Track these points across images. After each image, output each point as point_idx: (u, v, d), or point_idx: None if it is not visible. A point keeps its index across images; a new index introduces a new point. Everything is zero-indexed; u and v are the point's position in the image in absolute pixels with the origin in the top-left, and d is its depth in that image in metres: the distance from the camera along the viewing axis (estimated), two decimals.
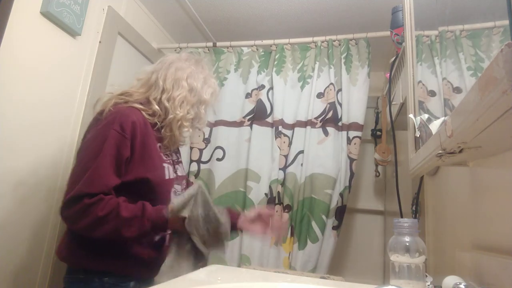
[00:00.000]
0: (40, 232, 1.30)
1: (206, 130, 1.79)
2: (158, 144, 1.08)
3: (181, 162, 1.22)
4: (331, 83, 1.67)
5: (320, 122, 1.65)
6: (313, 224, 1.56)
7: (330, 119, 1.64)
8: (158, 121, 1.08)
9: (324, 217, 1.56)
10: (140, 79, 1.15)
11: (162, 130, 1.09)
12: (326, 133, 1.63)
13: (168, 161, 1.10)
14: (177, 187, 1.12)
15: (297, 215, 1.58)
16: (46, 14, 1.26)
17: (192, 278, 0.75)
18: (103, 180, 0.92)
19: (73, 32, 1.39)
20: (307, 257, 1.53)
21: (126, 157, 0.97)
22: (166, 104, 1.07)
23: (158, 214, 0.94)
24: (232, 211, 1.14)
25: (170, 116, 1.07)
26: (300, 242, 1.56)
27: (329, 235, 1.56)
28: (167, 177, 1.06)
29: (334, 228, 1.57)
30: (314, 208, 1.57)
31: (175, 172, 1.13)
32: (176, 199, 0.98)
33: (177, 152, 1.23)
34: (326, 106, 1.67)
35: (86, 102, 1.48)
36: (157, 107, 1.07)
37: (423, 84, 0.89)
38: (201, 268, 0.88)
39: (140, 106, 1.05)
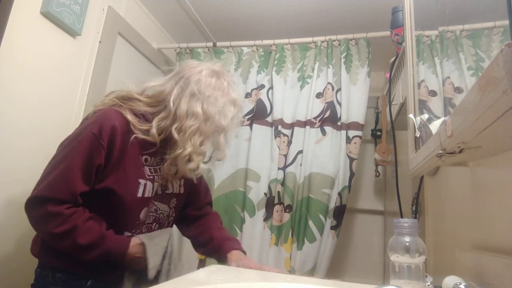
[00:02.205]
0: None
1: None
2: (145, 157, 0.98)
3: (181, 177, 1.07)
4: (329, 83, 1.67)
5: (319, 122, 1.66)
6: (311, 223, 1.56)
7: (328, 119, 1.64)
8: (152, 142, 0.97)
9: (322, 217, 1.56)
10: (150, 88, 1.04)
11: (165, 165, 0.98)
12: (323, 132, 1.64)
13: (151, 176, 0.98)
14: (160, 205, 1.03)
15: (296, 215, 1.58)
16: (46, 14, 1.26)
17: (192, 278, 0.75)
18: (69, 186, 0.87)
19: (73, 32, 1.39)
20: (304, 257, 1.53)
21: (98, 164, 0.90)
22: (175, 135, 0.95)
23: (118, 248, 0.90)
24: (223, 244, 1.08)
25: (178, 152, 0.94)
26: (298, 242, 1.56)
27: (327, 235, 1.56)
28: (139, 195, 0.95)
29: (332, 228, 1.57)
30: (312, 207, 1.57)
31: (163, 189, 1.03)
32: (150, 250, 0.93)
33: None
34: (324, 106, 1.67)
35: (86, 102, 1.48)
36: (155, 131, 0.95)
37: (426, 84, 0.89)
38: (201, 268, 0.88)
39: (129, 117, 0.95)
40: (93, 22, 1.50)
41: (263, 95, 1.74)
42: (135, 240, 0.93)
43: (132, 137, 0.93)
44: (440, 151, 0.55)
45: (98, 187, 0.91)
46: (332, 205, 1.58)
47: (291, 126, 1.70)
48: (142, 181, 0.96)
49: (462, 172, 0.80)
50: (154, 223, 1.04)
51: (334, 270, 1.61)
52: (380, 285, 0.56)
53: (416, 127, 0.84)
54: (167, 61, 2.11)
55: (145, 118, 0.98)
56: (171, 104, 0.96)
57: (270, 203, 1.63)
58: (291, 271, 1.54)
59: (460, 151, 0.52)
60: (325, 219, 1.56)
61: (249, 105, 1.77)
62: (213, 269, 0.86)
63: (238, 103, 1.07)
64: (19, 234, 1.22)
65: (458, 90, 0.67)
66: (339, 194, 1.59)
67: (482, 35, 0.56)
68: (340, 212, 1.59)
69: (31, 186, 1.25)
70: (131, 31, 1.75)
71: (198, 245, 1.18)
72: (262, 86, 1.75)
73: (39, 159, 1.28)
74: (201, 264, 1.61)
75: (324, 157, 1.60)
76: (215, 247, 1.11)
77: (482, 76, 0.37)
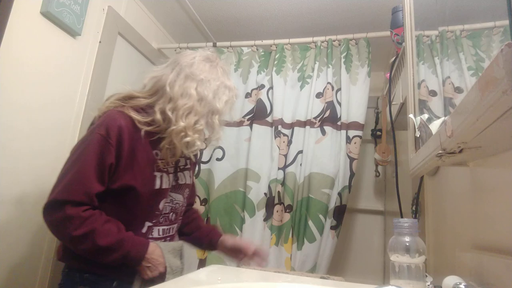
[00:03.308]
0: (39, 233, 1.30)
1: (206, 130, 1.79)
2: (155, 151, 1.02)
3: (189, 168, 1.15)
4: (329, 83, 1.67)
5: (319, 122, 1.66)
6: (310, 223, 1.56)
7: (327, 118, 1.64)
8: (158, 131, 1.01)
9: (321, 216, 1.56)
10: (149, 80, 1.08)
11: (162, 142, 1.01)
12: (323, 132, 1.64)
13: (165, 168, 1.03)
14: (175, 196, 1.08)
15: (296, 215, 1.58)
16: (46, 14, 1.26)
17: (192, 278, 0.75)
18: (85, 187, 0.90)
19: (73, 32, 1.39)
20: (304, 257, 1.53)
21: (110, 164, 0.93)
22: (169, 114, 0.98)
23: (137, 251, 0.93)
24: (214, 230, 1.23)
25: (172, 127, 0.98)
26: (298, 242, 1.56)
27: (327, 235, 1.56)
28: (157, 187, 1.00)
29: (332, 228, 1.57)
30: (311, 207, 1.57)
31: (176, 180, 1.08)
32: (167, 254, 0.97)
33: (189, 157, 1.15)
34: (324, 106, 1.67)
35: (86, 101, 1.49)
36: (159, 116, 0.99)
37: (426, 84, 0.89)
38: (201, 268, 0.88)
39: (133, 114, 0.98)
40: (93, 22, 1.50)
41: (263, 95, 1.74)
42: (153, 245, 0.97)
43: (142, 132, 0.97)
44: (440, 151, 0.55)
45: (115, 186, 0.95)
46: (332, 205, 1.58)
47: (291, 126, 1.70)
48: (158, 174, 1.01)
49: (462, 172, 0.80)
50: (171, 213, 1.08)
51: (334, 270, 1.60)
52: (380, 285, 0.56)
53: (416, 127, 0.84)
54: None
55: (146, 111, 1.02)
56: (167, 87, 1.00)
57: (270, 203, 1.63)
58: (291, 271, 1.54)
59: (460, 151, 0.52)
60: (325, 219, 1.56)
61: (249, 105, 1.77)
62: (213, 269, 0.86)
63: (232, 87, 1.11)
64: (19, 235, 1.22)
65: (458, 90, 0.67)
66: (339, 194, 1.59)
67: (482, 35, 0.56)
68: (340, 212, 1.59)
69: (30, 187, 1.25)
70: (131, 31, 1.75)
71: (182, 233, 1.22)
72: (262, 86, 1.75)
73: (39, 158, 1.29)
74: (201, 264, 1.62)
75: (324, 157, 1.60)
76: (203, 234, 1.23)
77: (482, 76, 0.37)
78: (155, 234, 1.03)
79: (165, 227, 1.06)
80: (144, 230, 1.00)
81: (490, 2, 0.50)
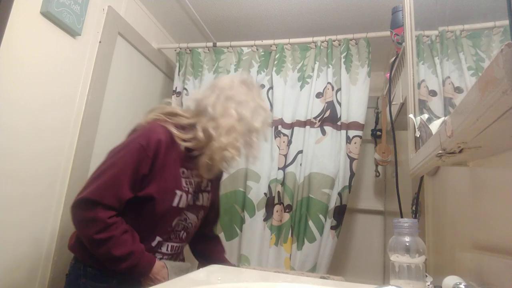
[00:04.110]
0: (39, 233, 1.30)
1: None
2: (182, 169, 1.07)
3: (208, 191, 1.19)
4: (329, 83, 1.67)
5: (319, 121, 1.66)
6: (310, 223, 1.56)
7: (328, 118, 1.64)
8: (196, 148, 1.07)
9: (322, 216, 1.55)
10: (191, 102, 1.16)
11: (201, 158, 1.07)
12: (323, 132, 1.64)
13: (186, 188, 1.07)
14: (190, 215, 1.12)
15: (296, 215, 1.58)
16: (46, 14, 1.26)
17: (192, 278, 0.75)
18: (118, 192, 0.96)
19: (73, 32, 1.39)
20: (304, 257, 1.53)
21: (143, 174, 0.99)
22: (212, 132, 1.05)
23: (144, 266, 0.98)
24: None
25: (214, 144, 1.05)
26: (298, 242, 1.56)
27: (327, 235, 1.56)
28: (174, 204, 1.04)
29: (332, 228, 1.57)
30: (312, 207, 1.57)
31: (194, 201, 1.11)
32: (172, 275, 1.02)
33: (212, 180, 1.19)
34: (324, 106, 1.67)
35: (86, 101, 1.49)
36: (201, 134, 1.05)
37: (426, 84, 0.89)
38: (201, 268, 0.88)
39: (173, 130, 1.05)
40: (93, 22, 1.50)
41: (263, 95, 1.74)
42: (159, 263, 1.01)
43: (181, 147, 1.04)
44: (440, 151, 0.55)
45: (140, 194, 1.00)
46: (332, 205, 1.58)
47: (291, 126, 1.70)
48: (178, 192, 1.05)
49: (462, 172, 0.80)
50: (183, 231, 1.12)
51: (334, 270, 1.60)
52: (380, 285, 0.56)
53: (416, 127, 0.84)
54: (167, 61, 2.11)
55: (187, 129, 1.09)
56: (209, 108, 1.07)
57: (270, 203, 1.63)
58: (291, 270, 1.53)
59: (460, 151, 0.52)
60: (325, 219, 1.56)
61: None
62: (213, 269, 0.86)
63: (267, 108, 1.19)
64: (19, 234, 1.22)
65: (458, 90, 0.67)
66: (339, 194, 1.59)
67: (482, 35, 0.56)
68: (340, 212, 1.59)
69: (30, 187, 1.25)
70: (131, 31, 1.75)
71: (201, 257, 1.30)
72: (262, 86, 1.75)
73: (39, 158, 1.29)
74: (201, 264, 1.62)
75: (324, 157, 1.60)
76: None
77: (482, 76, 0.37)
78: (163, 249, 1.07)
79: (175, 244, 1.11)
80: (154, 243, 1.05)
81: (490, 2, 0.50)
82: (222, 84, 1.14)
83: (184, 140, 1.06)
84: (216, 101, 1.09)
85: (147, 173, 1.00)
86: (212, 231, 1.35)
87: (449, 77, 0.73)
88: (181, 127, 1.08)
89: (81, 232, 0.97)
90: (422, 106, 0.87)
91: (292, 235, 1.58)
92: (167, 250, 1.08)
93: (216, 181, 1.26)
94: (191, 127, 1.08)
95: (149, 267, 0.98)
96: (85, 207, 0.94)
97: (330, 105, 1.65)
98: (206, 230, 1.29)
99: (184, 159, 1.07)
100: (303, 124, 1.67)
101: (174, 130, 1.05)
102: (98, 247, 0.94)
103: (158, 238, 1.05)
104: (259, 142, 1.17)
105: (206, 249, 1.29)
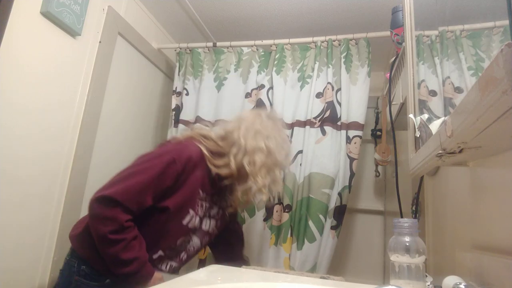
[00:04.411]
0: (39, 234, 1.30)
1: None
2: (200, 191, 1.09)
3: (217, 219, 1.20)
4: (329, 83, 1.67)
5: (319, 121, 1.65)
6: (310, 223, 1.55)
7: (328, 118, 1.64)
8: (226, 177, 1.11)
9: (322, 216, 1.55)
10: (223, 131, 1.19)
11: (235, 192, 1.13)
12: (323, 132, 1.63)
13: (197, 210, 1.09)
14: (194, 238, 1.13)
15: (296, 215, 1.58)
16: (46, 14, 1.26)
17: (192, 278, 0.75)
18: (141, 198, 0.98)
19: (73, 32, 1.39)
20: (304, 257, 1.53)
21: (167, 186, 1.02)
22: (247, 167, 1.09)
23: (143, 275, 0.99)
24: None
25: (250, 183, 1.10)
26: (298, 242, 1.56)
27: (327, 235, 1.56)
28: (184, 223, 1.07)
29: (332, 228, 1.57)
30: (312, 207, 1.56)
31: (200, 224, 1.13)
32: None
33: (223, 207, 1.22)
34: (324, 106, 1.67)
35: (86, 101, 1.48)
36: (234, 166, 1.09)
37: (426, 84, 0.89)
38: (201, 268, 0.88)
39: (207, 153, 1.09)
40: (93, 22, 1.50)
41: (263, 95, 1.74)
42: (158, 274, 1.02)
43: (200, 169, 1.08)
44: (440, 151, 0.55)
45: (158, 205, 1.02)
46: (332, 205, 1.58)
47: (291, 126, 1.70)
48: (191, 212, 1.08)
49: (462, 172, 0.80)
50: (184, 252, 1.14)
51: (334, 270, 1.60)
52: (380, 285, 0.56)
53: (416, 127, 0.84)
54: (167, 61, 2.11)
55: (218, 155, 1.13)
56: (241, 140, 1.12)
57: (269, 203, 1.62)
58: (291, 270, 1.53)
59: (460, 151, 0.52)
60: (325, 219, 1.56)
61: (249, 105, 1.76)
62: (213, 269, 0.86)
63: (288, 143, 1.25)
64: (19, 234, 1.22)
65: (458, 90, 0.67)
66: (339, 194, 1.59)
67: (482, 35, 0.56)
68: (340, 212, 1.59)
69: (30, 187, 1.25)
70: (131, 31, 1.75)
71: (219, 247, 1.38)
72: (262, 86, 1.75)
73: (39, 158, 1.29)
74: (201, 264, 1.62)
75: (324, 157, 1.60)
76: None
77: (482, 76, 0.37)
78: (163, 267, 1.09)
79: (174, 264, 1.12)
80: (155, 256, 1.06)
81: (490, 2, 0.50)
82: (250, 117, 1.19)
83: (216, 166, 1.10)
84: (246, 134, 1.13)
85: (170, 186, 1.02)
86: (238, 225, 1.43)
87: (449, 77, 0.73)
88: (213, 152, 1.12)
89: (95, 226, 0.97)
90: (422, 106, 0.87)
91: (291, 235, 1.58)
92: (165, 268, 1.10)
93: (231, 214, 1.29)
94: (222, 155, 1.13)
95: (148, 276, 0.99)
96: (106, 205, 0.96)
97: (330, 105, 1.65)
98: (220, 242, 1.34)
99: (204, 181, 1.10)
100: (303, 124, 1.67)
101: (206, 153, 1.10)
102: (108, 246, 0.95)
103: (160, 252, 1.07)
104: (282, 176, 1.22)
105: (222, 257, 1.36)
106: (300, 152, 1.64)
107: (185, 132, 1.18)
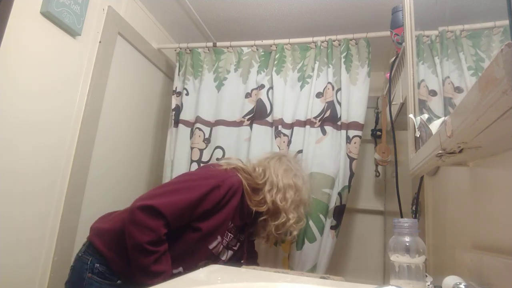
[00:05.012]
0: (39, 233, 1.30)
1: (206, 130, 1.79)
2: (230, 221, 1.13)
3: (235, 250, 1.24)
4: (329, 82, 1.67)
5: (319, 121, 1.66)
6: (311, 223, 1.55)
7: (328, 118, 1.64)
8: (262, 212, 1.16)
9: (322, 216, 1.55)
10: (257, 168, 1.24)
11: (265, 228, 1.18)
12: (324, 132, 1.63)
13: (224, 239, 1.14)
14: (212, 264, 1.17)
15: None
16: (46, 14, 1.26)
17: (192, 278, 0.75)
18: (181, 216, 1.02)
19: (73, 32, 1.39)
20: (305, 257, 1.53)
21: (206, 209, 1.05)
22: (279, 203, 1.15)
23: None
24: None
25: (283, 219, 1.15)
26: (298, 242, 1.55)
27: (327, 235, 1.56)
28: (210, 247, 1.10)
29: (332, 228, 1.57)
30: (312, 207, 1.56)
31: (219, 253, 1.16)
32: None
33: (243, 240, 1.26)
34: (324, 106, 1.67)
35: (86, 101, 1.48)
36: (271, 204, 1.14)
37: (426, 84, 0.89)
38: (201, 268, 0.88)
39: (247, 187, 1.14)
40: (93, 22, 1.50)
41: (263, 95, 1.74)
42: None
43: (235, 200, 1.11)
44: (440, 151, 0.55)
45: (192, 224, 1.05)
46: (332, 205, 1.58)
47: (291, 126, 1.70)
48: (219, 238, 1.12)
49: (462, 172, 0.80)
50: None
51: (334, 270, 1.60)
52: (380, 285, 0.56)
53: (416, 127, 0.84)
54: (167, 61, 2.11)
55: (253, 190, 1.18)
56: (273, 177, 1.18)
57: None
58: (291, 270, 1.53)
59: (460, 151, 0.52)
60: (325, 219, 1.56)
61: (249, 105, 1.76)
62: (213, 269, 0.86)
63: (309, 183, 1.31)
64: (18, 233, 1.22)
65: (458, 90, 0.67)
66: (339, 194, 1.59)
67: (482, 35, 0.56)
68: (340, 212, 1.59)
69: (30, 186, 1.25)
70: (131, 31, 1.75)
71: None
72: (262, 86, 1.75)
73: (39, 158, 1.29)
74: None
75: (324, 156, 1.60)
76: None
77: (482, 76, 0.37)
78: None
79: None
80: (175, 271, 1.08)
81: (490, 2, 0.50)
82: (276, 157, 1.28)
83: (252, 201, 1.15)
84: (277, 172, 1.20)
85: (209, 209, 1.06)
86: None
87: (449, 77, 0.73)
88: (250, 187, 1.16)
89: (134, 233, 0.98)
90: (422, 106, 0.87)
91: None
92: None
93: (248, 241, 1.32)
94: (257, 191, 1.18)
95: None
96: (150, 214, 0.97)
97: (331, 105, 1.65)
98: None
99: (236, 212, 1.14)
100: (303, 124, 1.67)
101: (247, 187, 1.15)
102: (142, 256, 0.97)
103: (180, 269, 1.09)
104: (304, 213, 1.28)
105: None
106: (300, 151, 1.64)
107: (227, 160, 1.25)
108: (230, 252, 1.21)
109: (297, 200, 1.19)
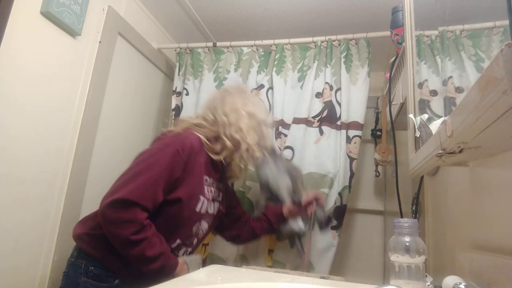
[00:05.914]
0: (39, 234, 1.30)
1: None
2: (205, 177, 1.12)
3: (220, 201, 1.24)
4: (326, 82, 1.67)
5: (317, 121, 1.65)
6: None
7: (325, 118, 1.64)
8: (227, 156, 1.15)
9: None
10: (207, 112, 1.24)
11: (233, 163, 1.17)
12: (321, 132, 1.63)
13: (208, 195, 1.13)
14: (203, 223, 1.16)
15: None
16: (46, 14, 1.25)
17: (192, 278, 0.75)
18: (153, 194, 0.99)
19: (73, 32, 1.39)
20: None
21: (176, 178, 1.03)
22: (236, 136, 1.15)
23: (170, 266, 1.01)
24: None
25: (243, 147, 1.15)
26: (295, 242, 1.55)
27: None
28: (197, 210, 1.09)
29: (333, 228, 1.57)
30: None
31: (207, 209, 1.15)
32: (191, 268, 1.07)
33: (225, 190, 1.28)
34: (322, 105, 1.67)
35: (86, 101, 1.48)
36: (229, 142, 1.14)
37: (427, 84, 0.89)
38: (201, 268, 0.88)
39: (206, 141, 1.13)
40: (93, 22, 1.50)
41: (263, 95, 1.74)
42: (180, 260, 1.06)
43: (202, 156, 1.11)
44: (440, 151, 0.55)
45: (169, 197, 1.03)
46: (332, 205, 1.57)
47: (291, 126, 1.69)
48: (202, 198, 1.10)
49: (462, 172, 0.80)
50: (195, 237, 1.16)
51: (334, 270, 1.60)
52: (380, 285, 0.56)
53: (416, 127, 0.84)
54: (167, 61, 2.11)
55: (214, 139, 1.17)
56: (223, 117, 1.17)
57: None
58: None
59: (460, 151, 0.52)
60: None
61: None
62: (213, 269, 0.86)
63: (261, 102, 1.34)
64: (18, 234, 1.22)
65: (459, 90, 0.67)
66: (340, 194, 1.59)
67: (482, 35, 0.56)
68: (340, 212, 1.59)
69: (30, 186, 1.25)
70: (131, 31, 1.75)
71: (242, 240, 1.42)
72: (262, 86, 1.75)
73: (39, 159, 1.29)
74: (201, 263, 1.61)
75: (322, 157, 1.60)
76: (263, 225, 1.40)
77: (482, 76, 0.37)
78: (180, 253, 1.12)
79: (188, 249, 1.15)
80: (174, 245, 1.09)
81: (490, 2, 0.50)
82: (221, 94, 1.27)
83: (215, 153, 1.14)
84: (224, 110, 1.19)
85: (179, 177, 1.04)
86: (242, 211, 1.44)
87: (451, 76, 0.73)
88: (209, 139, 1.15)
89: (113, 231, 0.96)
90: (423, 105, 0.87)
91: None
92: (181, 254, 1.13)
93: (228, 190, 1.32)
94: (217, 138, 1.17)
95: (174, 266, 1.01)
96: (121, 208, 0.95)
97: (328, 105, 1.65)
98: (227, 220, 1.36)
99: (208, 167, 1.13)
100: (302, 123, 1.67)
101: (204, 139, 1.13)
102: (132, 248, 0.95)
103: (178, 241, 1.09)
104: (268, 130, 1.29)
105: (234, 233, 1.38)
106: (300, 151, 1.64)
107: (178, 124, 1.21)
108: (216, 204, 1.21)
109: (254, 124, 1.20)
